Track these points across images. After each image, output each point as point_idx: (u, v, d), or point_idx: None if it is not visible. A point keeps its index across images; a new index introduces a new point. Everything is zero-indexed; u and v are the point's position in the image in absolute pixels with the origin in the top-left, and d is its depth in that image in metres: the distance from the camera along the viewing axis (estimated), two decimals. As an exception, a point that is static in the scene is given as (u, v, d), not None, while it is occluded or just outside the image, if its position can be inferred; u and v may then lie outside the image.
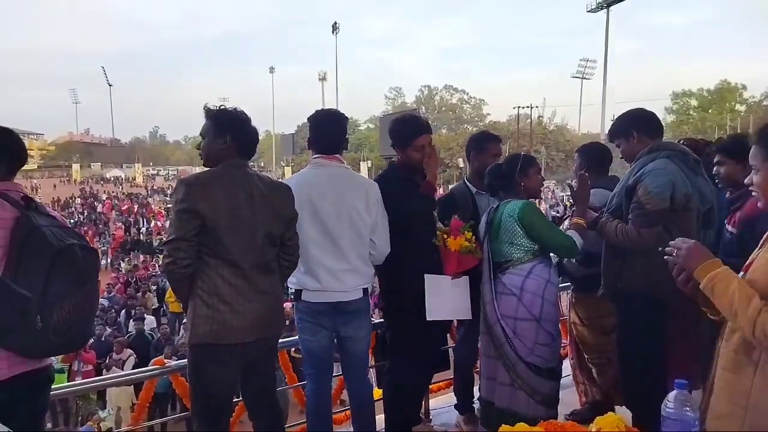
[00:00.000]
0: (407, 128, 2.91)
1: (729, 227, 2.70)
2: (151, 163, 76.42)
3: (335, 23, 52.85)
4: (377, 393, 3.21)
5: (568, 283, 3.49)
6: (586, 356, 3.37)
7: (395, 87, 79.61)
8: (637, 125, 2.72)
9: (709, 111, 50.60)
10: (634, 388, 2.70)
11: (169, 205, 34.78)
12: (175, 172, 69.91)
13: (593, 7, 44.46)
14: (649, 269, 2.39)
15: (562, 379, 2.97)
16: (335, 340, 2.78)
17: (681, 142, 3.59)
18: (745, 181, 1.61)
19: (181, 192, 2.13)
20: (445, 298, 2.86)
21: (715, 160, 2.77)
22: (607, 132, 2.87)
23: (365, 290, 2.74)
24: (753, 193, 1.58)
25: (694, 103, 53.14)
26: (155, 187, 50.55)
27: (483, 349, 2.92)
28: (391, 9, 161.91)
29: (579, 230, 2.73)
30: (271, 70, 67.70)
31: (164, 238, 2.19)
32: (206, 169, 2.29)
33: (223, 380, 2.26)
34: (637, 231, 2.50)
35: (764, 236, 1.56)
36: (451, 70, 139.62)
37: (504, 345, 2.75)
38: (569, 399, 3.48)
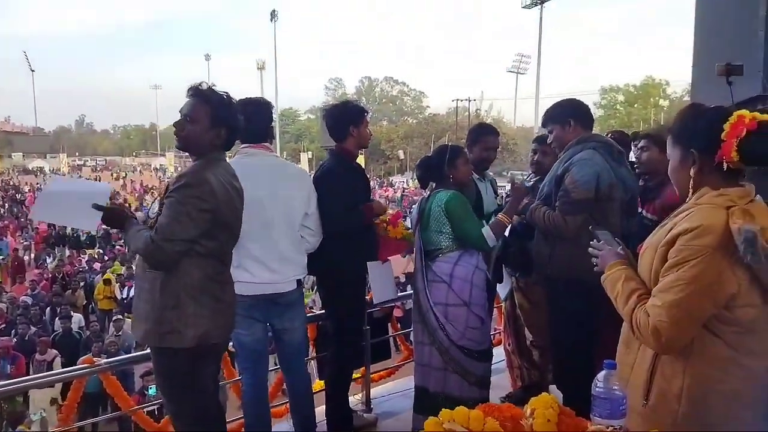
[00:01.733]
0: (354, 109, 3.02)
1: (647, 214, 2.87)
2: (77, 153, 72.24)
3: (274, 11, 51.71)
4: (318, 385, 3.21)
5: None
6: (530, 339, 3.48)
7: (335, 78, 78.83)
8: (574, 114, 2.80)
9: (635, 106, 53.38)
10: (565, 370, 2.83)
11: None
12: (103, 163, 66.58)
13: (528, 3, 45.73)
14: (575, 256, 2.49)
15: (495, 365, 3.09)
16: (270, 333, 2.78)
17: (609, 134, 3.78)
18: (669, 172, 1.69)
19: (197, 189, 1.98)
20: (384, 282, 3.08)
21: (639, 145, 2.96)
22: (541, 121, 2.95)
23: (299, 281, 2.72)
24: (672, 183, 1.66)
25: (621, 98, 55.89)
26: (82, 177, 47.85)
27: (416, 336, 2.99)
28: (336, 3, 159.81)
29: (499, 227, 2.85)
30: (207, 57, 65.63)
31: (162, 229, 1.96)
32: (183, 154, 2.24)
33: (215, 378, 2.29)
34: (563, 218, 2.61)
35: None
36: (391, 63, 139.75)
37: (437, 331, 2.83)
38: (503, 383, 3.61)
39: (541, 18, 44.02)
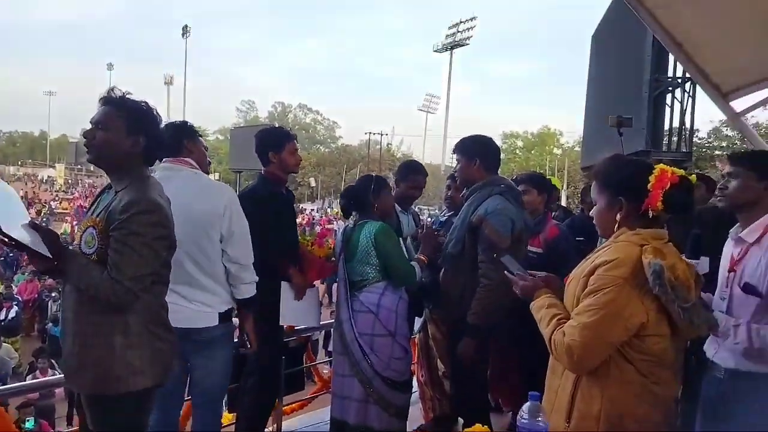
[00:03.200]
0: (281, 132, 2.99)
1: (531, 247, 3.18)
2: (-49, 159, 64.74)
3: (186, 26, 50.37)
4: (227, 417, 3.07)
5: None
6: (441, 370, 3.56)
7: (248, 100, 77.79)
8: (481, 154, 2.90)
9: (532, 152, 57.17)
10: (464, 400, 3.07)
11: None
12: (-20, 171, 60.15)
13: (439, 47, 48.14)
14: (492, 306, 2.71)
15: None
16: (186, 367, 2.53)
17: (514, 177, 4.13)
18: (590, 213, 1.85)
19: (156, 214, 1.78)
20: (297, 306, 2.94)
21: (521, 188, 3.23)
22: (453, 148, 3.06)
23: (222, 315, 2.43)
24: (595, 223, 1.81)
25: (520, 143, 59.71)
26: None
27: (336, 368, 2.96)
28: (246, 21, 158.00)
29: (420, 265, 2.94)
30: (109, 66, 62.06)
31: (122, 267, 1.71)
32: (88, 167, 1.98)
33: None
34: (495, 270, 2.63)
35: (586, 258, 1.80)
36: (305, 91, 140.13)
37: (361, 362, 2.81)
38: (415, 414, 3.64)
39: (450, 62, 46.37)
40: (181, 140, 2.49)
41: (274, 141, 2.92)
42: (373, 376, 2.81)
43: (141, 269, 1.74)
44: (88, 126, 1.87)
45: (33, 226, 1.74)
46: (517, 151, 58.93)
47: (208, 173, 2.71)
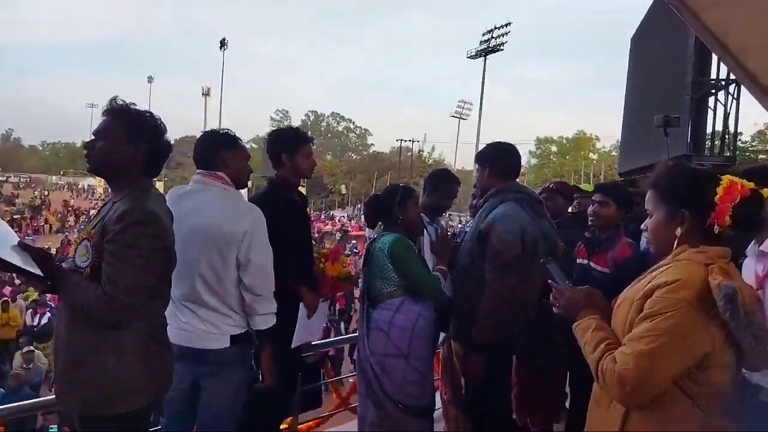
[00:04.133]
0: (296, 134, 2.80)
1: (596, 266, 2.89)
2: (0, 169, 67.69)
3: (224, 39, 51.39)
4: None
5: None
6: (464, 387, 3.38)
7: (282, 109, 78.85)
8: (491, 161, 2.78)
9: (567, 157, 56.24)
10: (484, 421, 2.84)
11: (15, 215, 30.90)
12: (27, 179, 62.63)
13: (473, 54, 47.90)
14: (497, 320, 2.52)
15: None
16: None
17: (551, 184, 3.87)
18: (641, 226, 1.67)
19: (151, 226, 1.70)
20: (304, 324, 2.72)
21: (596, 198, 2.98)
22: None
23: (234, 338, 2.27)
24: (644, 237, 1.65)
25: (554, 149, 58.84)
26: (2, 194, 44.84)
27: (358, 386, 2.83)
28: (283, 32, 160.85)
29: (443, 275, 2.76)
30: (150, 80, 64.03)
31: (115, 280, 1.64)
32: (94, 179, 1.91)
33: None
34: (500, 281, 2.53)
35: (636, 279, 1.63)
36: (339, 100, 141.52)
37: (372, 382, 2.66)
38: (439, 435, 3.48)
39: (484, 68, 46.02)
40: (218, 152, 2.35)
41: (288, 143, 2.74)
42: (385, 399, 2.64)
43: (136, 282, 1.65)
44: None
45: (23, 246, 1.69)
46: (552, 157, 58.07)
47: (246, 185, 2.57)
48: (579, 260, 3.05)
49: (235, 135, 2.48)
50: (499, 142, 2.89)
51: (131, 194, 1.75)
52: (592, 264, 2.93)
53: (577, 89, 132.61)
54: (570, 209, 4.18)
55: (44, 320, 10.77)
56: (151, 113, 1.87)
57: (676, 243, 1.51)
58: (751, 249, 1.96)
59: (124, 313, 1.65)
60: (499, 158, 2.80)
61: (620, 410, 1.48)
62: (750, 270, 1.93)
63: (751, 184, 1.47)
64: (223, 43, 51.26)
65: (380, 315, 2.69)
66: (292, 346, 2.72)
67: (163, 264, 1.75)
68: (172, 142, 1.99)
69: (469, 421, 3.35)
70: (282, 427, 3.27)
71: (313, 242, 2.97)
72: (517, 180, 2.91)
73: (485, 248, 2.61)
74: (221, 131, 2.50)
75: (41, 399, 2.88)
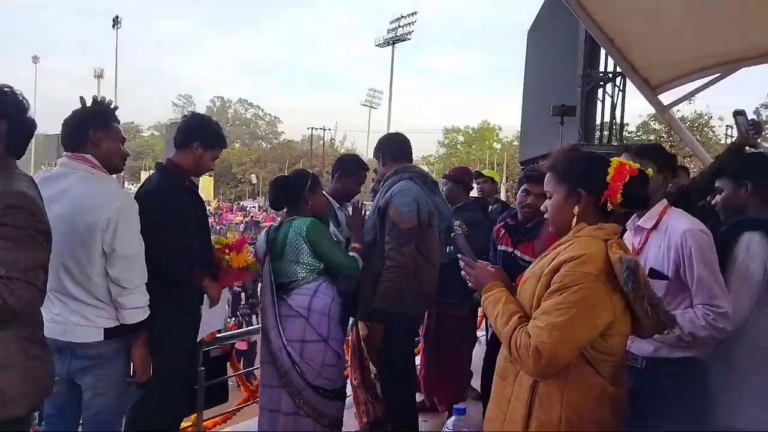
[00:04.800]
0: (220, 133, 2.65)
1: (522, 255, 2.93)
2: None
3: (117, 17, 47.96)
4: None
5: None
6: (374, 372, 3.41)
7: (185, 95, 75.07)
8: (382, 150, 3.00)
9: (473, 147, 58.42)
10: (392, 401, 3.02)
11: None
12: None
13: (381, 42, 48.31)
14: (397, 288, 2.67)
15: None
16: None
17: (452, 170, 4.09)
18: (541, 207, 1.76)
19: (28, 209, 1.58)
20: (212, 314, 2.61)
21: (524, 187, 2.99)
22: None
23: (109, 331, 2.13)
24: (547, 217, 1.73)
25: (461, 138, 60.87)
26: None
27: (264, 379, 2.75)
28: (181, 12, 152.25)
29: (359, 254, 2.77)
30: (35, 59, 58.35)
31: (10, 261, 1.49)
32: None
33: None
34: (398, 251, 2.68)
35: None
36: (246, 85, 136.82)
37: (290, 371, 2.62)
38: (348, 420, 3.49)
39: (392, 57, 46.57)
40: (84, 132, 2.15)
41: (210, 137, 2.56)
42: (304, 386, 2.62)
43: (32, 263, 1.55)
44: None
45: None
46: (459, 146, 60.02)
47: (120, 169, 2.36)
48: (502, 247, 3.10)
49: (108, 111, 2.25)
50: (389, 133, 3.17)
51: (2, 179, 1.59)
52: (518, 253, 2.96)
53: (481, 79, 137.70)
54: (474, 193, 4.35)
55: None
56: (11, 88, 1.70)
57: (574, 221, 1.61)
58: (630, 223, 2.10)
59: (30, 292, 1.54)
60: (389, 146, 3.03)
61: (527, 383, 1.55)
62: (628, 243, 2.04)
63: (638, 166, 1.60)
64: (116, 22, 47.86)
65: (296, 301, 2.65)
66: (198, 339, 2.60)
67: (48, 245, 1.63)
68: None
69: (379, 404, 3.40)
70: (185, 425, 3.13)
71: (218, 234, 2.83)
72: (416, 164, 3.13)
73: (385, 223, 2.76)
74: (91, 107, 2.25)
75: None
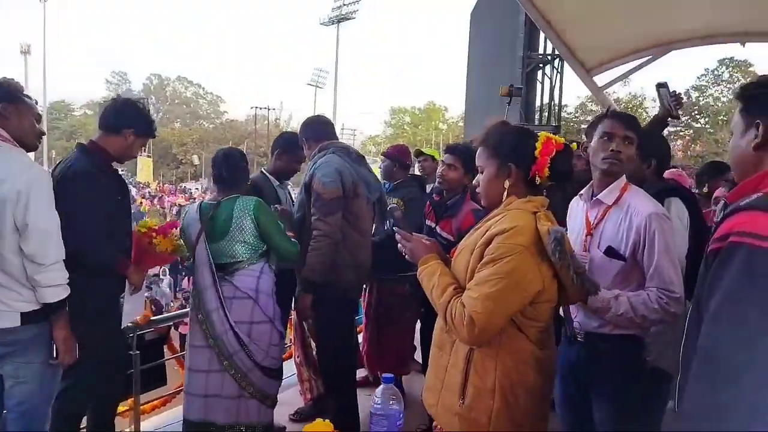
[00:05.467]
0: (149, 120, 2.58)
1: (442, 232, 3.04)
2: None
3: (43, -13, 44.73)
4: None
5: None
6: (314, 349, 3.42)
7: (119, 72, 71.10)
8: (305, 134, 3.06)
9: (419, 127, 58.73)
10: (329, 376, 3.03)
11: None
12: None
13: (325, 21, 47.52)
14: (324, 258, 2.71)
15: (285, 380, 2.97)
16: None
17: (390, 147, 4.16)
18: (473, 182, 1.79)
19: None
20: (135, 300, 2.56)
21: (447, 161, 3.03)
22: None
23: (26, 315, 2.04)
24: (479, 191, 1.75)
25: (407, 119, 61.01)
26: None
27: (195, 364, 2.63)
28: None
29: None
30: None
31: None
32: None
33: None
34: (323, 220, 2.72)
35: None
36: (184, 63, 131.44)
37: (237, 353, 2.57)
38: (292, 400, 3.50)
39: (338, 36, 45.92)
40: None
41: (140, 124, 2.50)
42: (252, 368, 2.59)
43: None
44: None
45: None
46: (405, 127, 60.18)
47: (35, 146, 2.23)
48: (428, 223, 3.19)
49: (17, 88, 2.15)
50: (309, 117, 3.20)
51: None
52: (438, 229, 3.04)
53: (428, 59, 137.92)
54: (417, 171, 4.40)
55: None
56: None
57: (505, 194, 1.65)
58: (585, 192, 2.07)
59: None
60: (311, 128, 3.07)
61: (463, 352, 1.60)
62: (579, 213, 2.07)
63: (563, 140, 1.64)
64: (43, -7, 44.66)
65: (243, 282, 2.60)
66: (122, 325, 2.54)
67: None
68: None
69: (320, 380, 3.43)
70: (122, 409, 3.05)
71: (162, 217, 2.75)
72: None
73: (311, 197, 2.78)
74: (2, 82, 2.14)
75: None
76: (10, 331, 2.01)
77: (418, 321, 3.67)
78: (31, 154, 2.27)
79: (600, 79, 5.51)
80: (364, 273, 3.04)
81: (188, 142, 52.94)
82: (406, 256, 1.78)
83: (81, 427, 2.61)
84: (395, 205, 2.19)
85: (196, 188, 40.58)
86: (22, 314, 2.02)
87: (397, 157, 3.89)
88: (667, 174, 2.60)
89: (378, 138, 59.96)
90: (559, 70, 8.74)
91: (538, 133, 1.67)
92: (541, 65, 8.79)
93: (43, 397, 2.11)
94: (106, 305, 2.38)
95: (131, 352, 3.05)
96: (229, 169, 2.68)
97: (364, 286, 3.62)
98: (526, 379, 1.57)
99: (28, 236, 1.98)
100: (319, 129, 3.04)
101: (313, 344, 3.43)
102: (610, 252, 1.89)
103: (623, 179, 1.98)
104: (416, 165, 4.29)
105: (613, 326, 1.90)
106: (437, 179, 3.11)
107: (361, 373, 3.79)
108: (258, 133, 47.96)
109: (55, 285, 2.05)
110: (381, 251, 3.07)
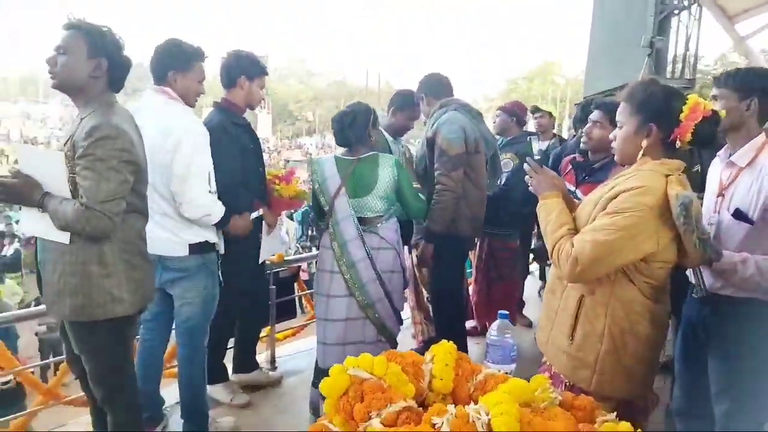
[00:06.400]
0: (257, 61, 2.81)
1: (582, 197, 2.87)
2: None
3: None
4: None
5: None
6: (426, 296, 3.64)
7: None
8: (423, 89, 3.17)
9: (534, 81, 55.93)
10: (442, 322, 3.26)
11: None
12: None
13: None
14: (447, 211, 2.89)
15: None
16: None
17: (507, 104, 4.15)
18: (610, 135, 1.80)
19: (119, 140, 1.75)
20: (267, 239, 2.91)
21: (593, 118, 2.74)
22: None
23: (193, 246, 2.37)
24: (614, 146, 1.76)
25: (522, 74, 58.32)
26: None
27: (338, 314, 2.65)
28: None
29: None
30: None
31: (92, 192, 1.72)
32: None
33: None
34: (447, 176, 2.88)
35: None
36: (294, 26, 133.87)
37: (381, 301, 2.66)
38: (406, 340, 3.76)
39: None
40: (165, 72, 2.38)
41: (249, 68, 2.74)
42: (391, 314, 2.72)
43: (110, 193, 1.74)
44: None
45: (14, 175, 1.77)
46: (519, 81, 57.67)
47: (193, 105, 2.50)
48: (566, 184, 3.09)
49: (189, 51, 2.44)
50: (428, 74, 3.24)
51: (97, 111, 1.80)
52: (578, 192, 2.76)
53: (539, 14, 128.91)
54: (532, 127, 4.37)
55: (11, 251, 10.67)
56: (110, 28, 1.88)
57: (640, 154, 1.66)
58: (722, 153, 2.00)
59: (104, 222, 1.73)
60: (429, 84, 3.16)
61: (574, 296, 1.69)
62: (715, 175, 2.01)
63: (712, 106, 1.60)
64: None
65: (387, 234, 2.69)
66: (260, 261, 2.92)
67: (132, 176, 1.83)
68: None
69: (432, 325, 3.65)
70: (262, 335, 3.50)
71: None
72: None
73: (434, 152, 2.94)
74: (168, 50, 2.44)
75: (33, 309, 2.97)
76: (181, 259, 2.36)
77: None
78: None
79: (743, 28, 4.99)
80: (480, 226, 3.19)
81: (303, 99, 54.98)
82: (530, 188, 1.83)
83: (228, 347, 3.09)
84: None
85: (311, 143, 42.32)
86: (190, 245, 2.37)
87: (515, 112, 3.91)
88: None
89: (490, 93, 58.14)
90: (696, 17, 7.93)
91: (688, 96, 1.62)
92: (675, 12, 8.04)
93: (205, 316, 2.49)
94: (244, 244, 2.71)
95: (270, 287, 3.49)
96: (349, 129, 2.66)
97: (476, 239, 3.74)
98: (636, 328, 1.62)
99: (176, 179, 2.28)
100: (438, 85, 3.16)
101: (425, 291, 3.64)
102: (738, 214, 1.83)
103: (761, 137, 1.87)
104: (532, 121, 4.26)
105: (737, 288, 1.85)
106: (582, 139, 2.83)
107: (470, 324, 3.98)
108: (369, 91, 48.55)
109: (203, 215, 2.35)
110: (493, 206, 3.19)
